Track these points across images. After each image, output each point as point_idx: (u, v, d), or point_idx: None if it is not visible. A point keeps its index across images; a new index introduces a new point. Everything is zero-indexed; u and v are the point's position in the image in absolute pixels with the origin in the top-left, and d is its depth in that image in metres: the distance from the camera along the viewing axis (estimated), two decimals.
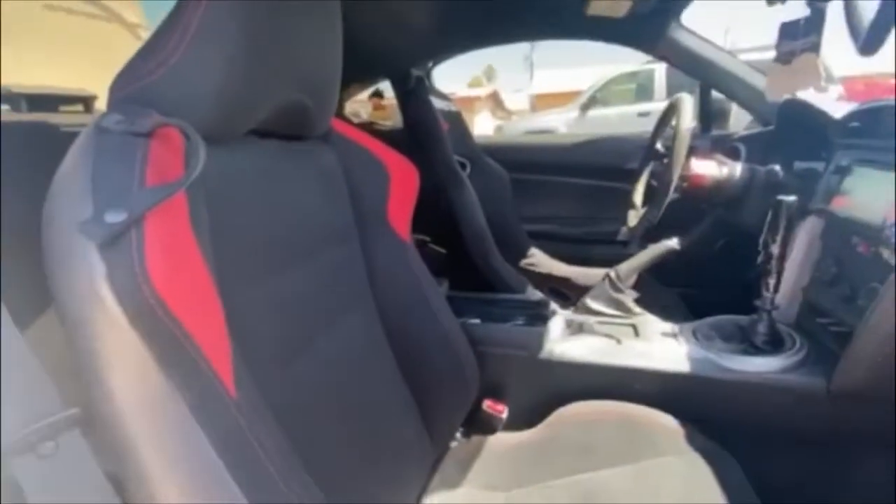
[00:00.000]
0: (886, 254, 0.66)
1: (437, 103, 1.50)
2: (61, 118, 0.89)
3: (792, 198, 0.81)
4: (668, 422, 0.76)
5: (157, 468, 0.36)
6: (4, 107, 0.89)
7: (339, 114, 1.67)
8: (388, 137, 0.81)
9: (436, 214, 1.34)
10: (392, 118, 1.99)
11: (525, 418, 0.87)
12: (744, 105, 1.33)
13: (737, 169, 0.98)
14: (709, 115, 1.46)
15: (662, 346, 0.86)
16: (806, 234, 0.87)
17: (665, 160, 0.97)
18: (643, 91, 6.09)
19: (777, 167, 0.95)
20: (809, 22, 0.87)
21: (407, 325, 0.77)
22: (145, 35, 1.27)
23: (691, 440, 0.72)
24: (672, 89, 5.17)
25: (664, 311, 1.01)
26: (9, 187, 0.54)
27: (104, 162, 0.37)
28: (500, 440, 0.86)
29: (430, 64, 1.69)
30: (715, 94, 1.44)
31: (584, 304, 0.99)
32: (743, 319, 0.88)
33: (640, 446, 0.72)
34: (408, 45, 1.49)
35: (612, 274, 0.98)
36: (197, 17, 0.45)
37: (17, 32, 1.39)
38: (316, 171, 0.69)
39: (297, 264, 0.60)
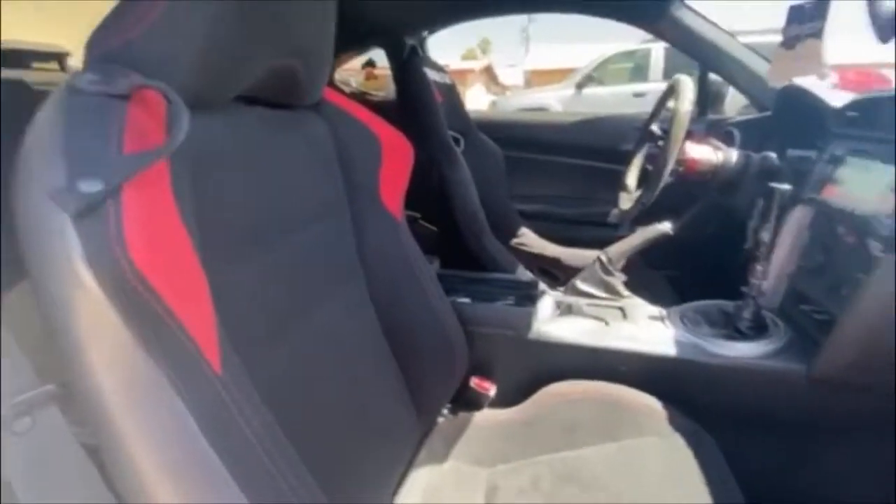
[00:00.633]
0: (872, 245, 0.67)
1: (432, 74, 1.46)
2: (35, 76, 0.84)
3: (785, 186, 0.81)
4: (651, 403, 0.77)
5: (138, 446, 0.35)
6: None
7: (330, 83, 1.62)
8: (379, 108, 0.79)
9: (427, 190, 1.32)
10: (385, 88, 1.93)
11: (512, 396, 0.88)
12: (742, 89, 1.32)
13: (732, 155, 0.97)
14: (706, 98, 1.45)
15: (649, 329, 0.88)
16: (795, 222, 0.87)
17: (661, 143, 0.96)
18: (639, 71, 6.02)
19: (773, 154, 0.94)
20: (816, 6, 0.85)
21: (396, 303, 0.77)
22: None
23: (673, 421, 0.73)
24: (669, 71, 5.12)
25: (652, 295, 1.02)
26: None
27: (77, 125, 0.35)
28: (487, 417, 0.87)
29: (425, 33, 1.63)
30: (712, 76, 1.42)
31: (573, 285, 0.99)
32: (729, 305, 0.90)
33: (622, 426, 0.74)
34: (403, 13, 1.43)
35: (604, 257, 0.98)
36: None
37: None
38: (306, 142, 0.67)
39: (284, 238, 0.59)
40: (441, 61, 1.67)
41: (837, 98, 0.95)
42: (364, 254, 0.76)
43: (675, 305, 0.93)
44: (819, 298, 0.80)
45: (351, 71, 2.06)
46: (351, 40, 1.48)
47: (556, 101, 6.23)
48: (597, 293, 0.97)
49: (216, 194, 0.47)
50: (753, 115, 1.33)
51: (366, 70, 1.91)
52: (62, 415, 0.36)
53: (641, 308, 0.94)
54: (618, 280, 0.97)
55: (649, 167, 1.07)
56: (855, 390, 0.73)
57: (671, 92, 0.98)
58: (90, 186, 0.32)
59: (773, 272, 0.88)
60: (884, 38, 0.63)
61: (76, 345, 0.33)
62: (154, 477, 0.35)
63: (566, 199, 1.70)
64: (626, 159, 1.15)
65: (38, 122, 0.36)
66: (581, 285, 0.98)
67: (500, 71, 14.41)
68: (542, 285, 0.99)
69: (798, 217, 0.87)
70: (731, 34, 1.35)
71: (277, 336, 0.54)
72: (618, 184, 1.11)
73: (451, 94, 1.59)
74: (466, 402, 0.92)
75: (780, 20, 0.94)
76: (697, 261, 1.36)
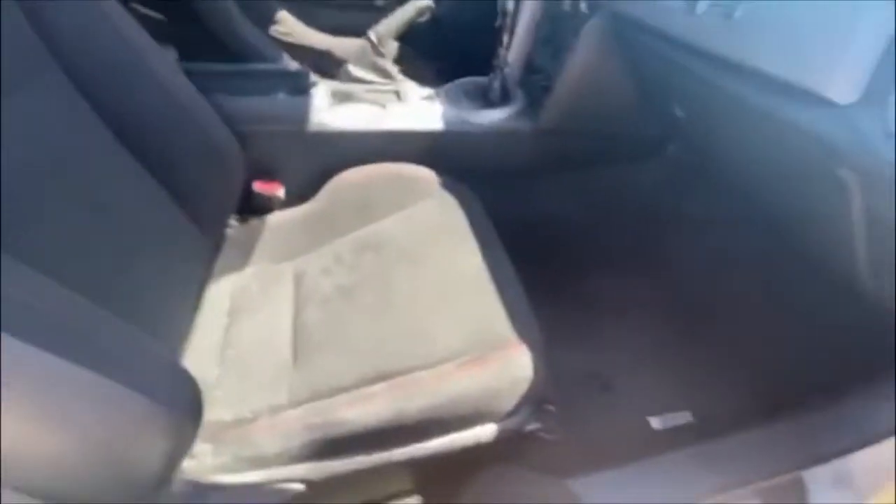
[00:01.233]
0: (584, 6, 0.80)
1: None
2: None
3: None
4: (427, 174, 0.87)
5: None
6: None
7: None
8: None
9: None
10: None
11: (302, 194, 0.88)
12: None
13: None
14: None
15: (422, 109, 0.93)
16: None
17: None
18: None
19: None
20: None
21: (126, 99, 0.61)
22: None
23: (445, 185, 0.86)
24: None
25: (423, 80, 1.06)
26: None
27: None
28: (279, 218, 0.87)
29: None
30: None
31: (346, 71, 0.95)
32: (483, 80, 1.00)
33: (407, 196, 0.83)
34: None
35: (373, 36, 0.93)
36: None
37: None
38: None
39: None
40: None
41: None
42: (56, 42, 0.55)
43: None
44: (545, 67, 0.96)
45: None
46: None
47: None
48: (371, 78, 0.95)
49: None
50: None
51: None
52: None
53: (414, 90, 0.98)
54: (389, 62, 0.96)
55: None
56: (564, 136, 0.97)
57: None
58: None
59: (515, 48, 0.99)
60: None
61: None
62: None
63: None
64: None
65: None
66: (354, 71, 0.94)
67: None
68: (314, 75, 0.91)
69: None
70: None
71: None
72: None
73: None
74: (254, 209, 0.89)
75: None
76: (459, 47, 1.42)
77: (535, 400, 0.59)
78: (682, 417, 0.83)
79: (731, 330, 0.93)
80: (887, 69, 0.39)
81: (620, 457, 0.70)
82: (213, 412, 0.55)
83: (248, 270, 0.78)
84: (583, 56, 0.84)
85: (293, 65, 1.00)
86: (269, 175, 0.87)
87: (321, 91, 0.89)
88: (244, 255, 0.80)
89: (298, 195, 0.88)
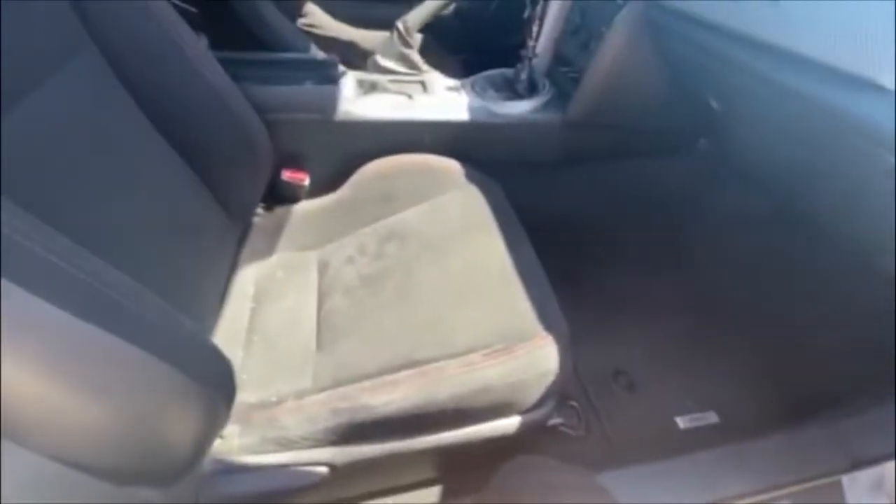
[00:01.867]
0: None
1: None
2: None
3: None
4: (452, 164, 0.87)
5: None
6: None
7: None
8: None
9: None
10: None
11: (328, 183, 0.88)
12: None
13: None
14: None
15: (447, 100, 0.93)
16: None
17: None
18: None
19: None
20: None
21: (163, 86, 0.62)
22: None
23: (469, 176, 0.85)
24: None
25: (449, 72, 1.05)
26: None
27: None
28: (306, 207, 0.87)
29: None
30: None
31: (374, 61, 0.95)
32: (510, 71, 0.99)
33: (432, 187, 0.83)
34: None
35: (401, 25, 0.93)
36: None
37: None
38: None
39: None
40: None
41: None
42: (96, 25, 0.56)
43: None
44: (574, 58, 0.95)
45: None
46: None
47: None
48: (397, 68, 0.95)
49: None
50: None
51: None
52: None
53: (439, 80, 0.97)
54: (415, 53, 0.96)
55: None
56: (593, 129, 0.95)
57: None
58: None
59: (543, 39, 0.98)
60: None
61: None
62: None
63: None
64: None
65: None
66: (382, 61, 0.94)
67: None
68: (341, 66, 0.91)
69: None
70: None
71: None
72: None
73: None
74: (280, 197, 0.89)
75: None
76: (485, 41, 1.41)
77: (559, 394, 0.58)
78: (708, 418, 0.81)
79: (758, 331, 0.90)
80: None
81: (644, 455, 0.68)
82: (239, 395, 0.55)
83: (274, 258, 0.79)
84: (614, 46, 0.82)
85: (321, 54, 1.01)
86: (295, 163, 0.88)
87: (348, 81, 0.89)
88: (270, 243, 0.81)
89: (324, 184, 0.89)
